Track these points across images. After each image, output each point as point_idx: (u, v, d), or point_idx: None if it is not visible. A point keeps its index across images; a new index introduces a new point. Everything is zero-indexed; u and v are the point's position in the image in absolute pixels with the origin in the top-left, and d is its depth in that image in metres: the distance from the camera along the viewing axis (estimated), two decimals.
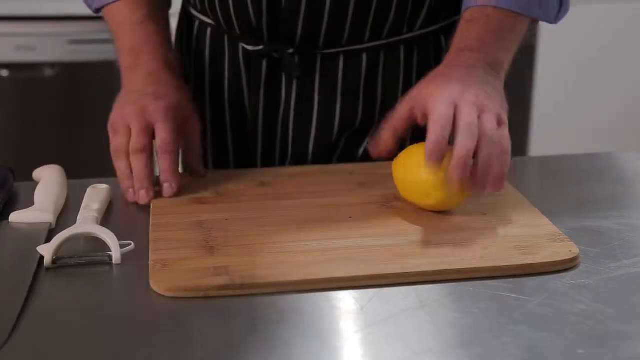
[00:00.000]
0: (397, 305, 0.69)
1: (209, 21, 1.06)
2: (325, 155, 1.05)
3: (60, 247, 0.76)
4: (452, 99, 0.82)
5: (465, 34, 0.91)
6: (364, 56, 1.01)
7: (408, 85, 1.03)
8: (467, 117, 0.81)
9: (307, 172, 0.96)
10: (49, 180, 0.88)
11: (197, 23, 1.08)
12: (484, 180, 0.81)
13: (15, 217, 0.83)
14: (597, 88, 2.63)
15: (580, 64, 2.59)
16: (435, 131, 0.80)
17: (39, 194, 0.86)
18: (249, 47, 1.02)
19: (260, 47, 1.01)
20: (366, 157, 1.05)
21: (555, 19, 0.95)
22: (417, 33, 1.02)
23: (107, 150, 0.90)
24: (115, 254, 0.75)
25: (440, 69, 0.90)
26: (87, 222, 0.80)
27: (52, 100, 2.16)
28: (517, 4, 0.91)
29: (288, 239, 0.78)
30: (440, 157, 0.80)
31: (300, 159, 1.05)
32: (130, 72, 0.97)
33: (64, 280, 0.75)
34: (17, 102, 2.24)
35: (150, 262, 0.74)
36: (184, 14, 1.12)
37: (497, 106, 0.84)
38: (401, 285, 0.71)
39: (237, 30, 1.02)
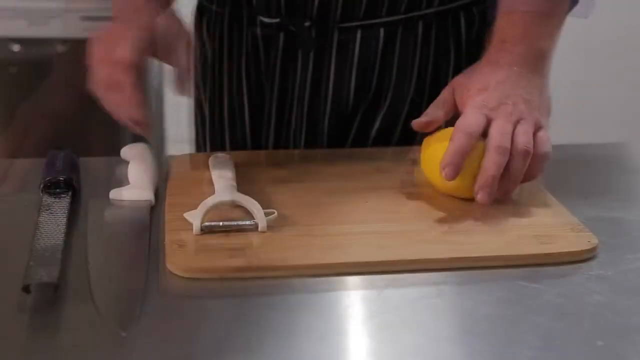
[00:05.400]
0: (413, 291, 0.68)
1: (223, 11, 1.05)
2: (340, 132, 1.04)
3: (206, 215, 0.76)
4: (488, 108, 0.82)
5: (507, 23, 0.90)
6: (381, 31, 1.00)
7: (424, 62, 1.02)
8: (498, 136, 0.80)
9: (324, 156, 0.96)
10: (141, 158, 0.88)
11: (212, 13, 1.08)
12: (514, 186, 0.81)
13: (115, 194, 0.82)
14: (606, 77, 2.62)
15: (588, 55, 2.58)
16: (456, 139, 0.79)
17: (134, 172, 0.85)
18: (266, 19, 1.01)
19: (277, 20, 1.01)
20: (380, 135, 1.04)
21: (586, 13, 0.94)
22: (435, 9, 1.01)
23: (119, 128, 0.88)
24: (261, 222, 0.75)
25: (482, 64, 0.89)
26: (227, 190, 0.80)
27: (63, 77, 2.16)
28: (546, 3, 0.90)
29: (304, 221, 0.77)
30: (455, 170, 0.79)
31: (314, 135, 1.05)
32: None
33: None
34: (28, 77, 2.23)
35: (167, 242, 0.73)
36: (198, 10, 1.11)
37: (534, 112, 0.84)
38: (418, 271, 0.71)
39: (254, 5, 1.02)
